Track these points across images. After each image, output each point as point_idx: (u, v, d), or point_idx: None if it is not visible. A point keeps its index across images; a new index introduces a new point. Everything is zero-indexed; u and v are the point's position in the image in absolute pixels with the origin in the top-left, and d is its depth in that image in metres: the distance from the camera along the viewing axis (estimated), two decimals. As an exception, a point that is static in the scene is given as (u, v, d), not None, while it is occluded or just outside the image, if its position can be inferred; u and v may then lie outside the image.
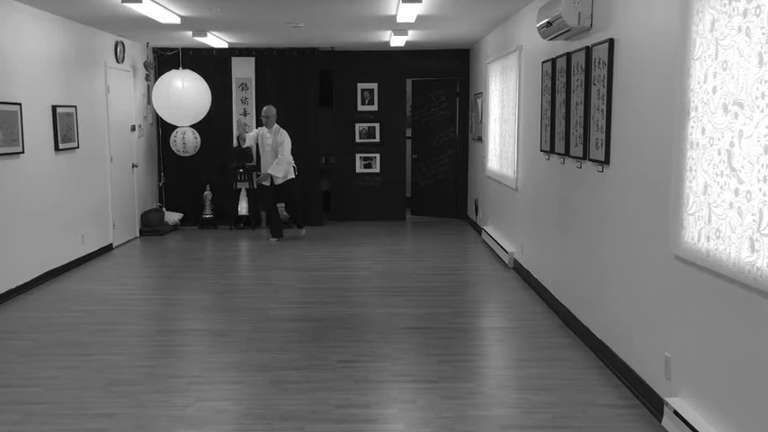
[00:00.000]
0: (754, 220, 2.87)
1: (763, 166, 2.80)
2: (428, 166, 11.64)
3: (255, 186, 9.97)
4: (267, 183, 9.47)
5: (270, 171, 9.40)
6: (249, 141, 9.70)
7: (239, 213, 10.58)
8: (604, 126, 4.70)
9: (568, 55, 5.50)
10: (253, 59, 10.66)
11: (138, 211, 9.96)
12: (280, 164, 9.34)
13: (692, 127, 3.40)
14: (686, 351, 3.55)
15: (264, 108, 9.51)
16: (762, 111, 2.81)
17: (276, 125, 9.44)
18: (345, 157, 11.34)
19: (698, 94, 3.35)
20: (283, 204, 9.93)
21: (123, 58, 9.35)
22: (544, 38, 5.77)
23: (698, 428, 3.29)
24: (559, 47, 5.80)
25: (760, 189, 2.82)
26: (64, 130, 7.58)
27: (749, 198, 2.90)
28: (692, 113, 3.40)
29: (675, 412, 3.52)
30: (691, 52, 3.41)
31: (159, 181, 10.76)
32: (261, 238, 9.83)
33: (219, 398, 4.17)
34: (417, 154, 11.72)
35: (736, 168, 3.00)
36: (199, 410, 3.97)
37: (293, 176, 9.51)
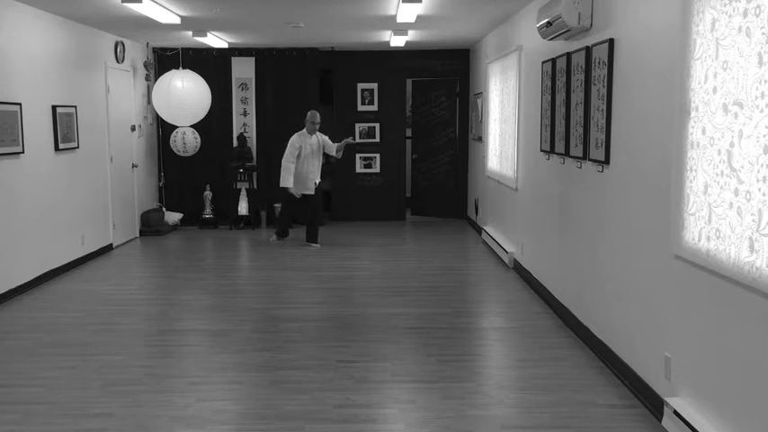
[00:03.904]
0: (753, 220, 2.87)
1: (762, 166, 2.80)
2: (428, 166, 11.63)
3: (297, 195, 8.96)
4: (313, 192, 9.01)
5: (318, 180, 9.01)
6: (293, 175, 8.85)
7: (239, 213, 10.59)
8: (604, 126, 4.70)
9: (568, 55, 5.50)
10: (253, 59, 10.66)
11: (138, 211, 9.96)
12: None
13: (693, 127, 3.40)
14: (686, 351, 3.55)
15: (310, 113, 8.97)
16: (761, 111, 2.81)
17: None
18: (345, 157, 11.32)
19: (698, 94, 3.35)
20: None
21: (123, 58, 9.35)
22: (544, 38, 5.77)
23: (698, 428, 3.29)
24: (559, 47, 5.80)
25: (759, 189, 2.82)
26: (64, 130, 7.58)
27: (749, 198, 2.90)
28: (693, 113, 3.40)
29: (675, 412, 3.52)
30: (691, 52, 3.42)
31: (159, 181, 10.76)
32: (261, 238, 9.83)
33: (219, 398, 4.17)
34: (417, 154, 11.72)
35: (736, 168, 3.00)
36: (199, 410, 3.97)
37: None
